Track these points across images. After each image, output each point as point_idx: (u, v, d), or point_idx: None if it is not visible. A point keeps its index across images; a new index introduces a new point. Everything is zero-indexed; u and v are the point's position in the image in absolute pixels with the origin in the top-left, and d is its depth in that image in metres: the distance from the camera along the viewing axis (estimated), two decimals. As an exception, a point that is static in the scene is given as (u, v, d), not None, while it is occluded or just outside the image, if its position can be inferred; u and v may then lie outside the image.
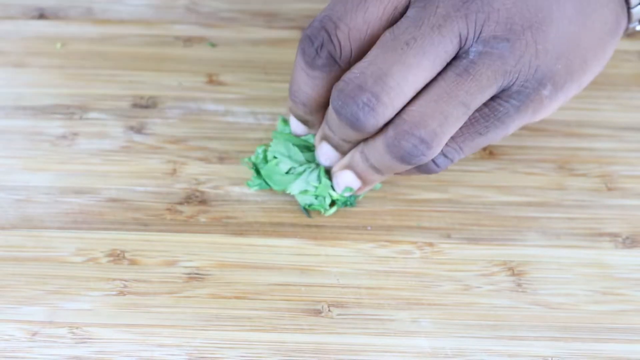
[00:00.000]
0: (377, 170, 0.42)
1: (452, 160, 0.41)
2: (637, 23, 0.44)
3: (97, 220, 0.46)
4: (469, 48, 0.38)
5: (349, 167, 0.44)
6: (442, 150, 0.40)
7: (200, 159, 0.49)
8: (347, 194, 0.45)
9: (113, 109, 0.51)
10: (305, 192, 0.46)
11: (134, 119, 0.51)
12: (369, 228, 0.47)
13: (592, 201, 0.48)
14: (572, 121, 0.51)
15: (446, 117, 0.38)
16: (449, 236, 0.46)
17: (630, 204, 0.48)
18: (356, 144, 0.43)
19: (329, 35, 0.39)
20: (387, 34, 0.39)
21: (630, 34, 0.45)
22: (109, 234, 0.46)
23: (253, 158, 0.46)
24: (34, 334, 0.42)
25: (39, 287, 0.44)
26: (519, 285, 0.45)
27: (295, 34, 0.55)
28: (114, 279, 0.44)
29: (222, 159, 0.49)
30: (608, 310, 0.44)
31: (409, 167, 0.40)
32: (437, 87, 0.39)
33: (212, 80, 0.53)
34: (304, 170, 0.46)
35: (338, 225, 0.47)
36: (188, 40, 0.55)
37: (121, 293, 0.44)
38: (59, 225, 0.46)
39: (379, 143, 0.40)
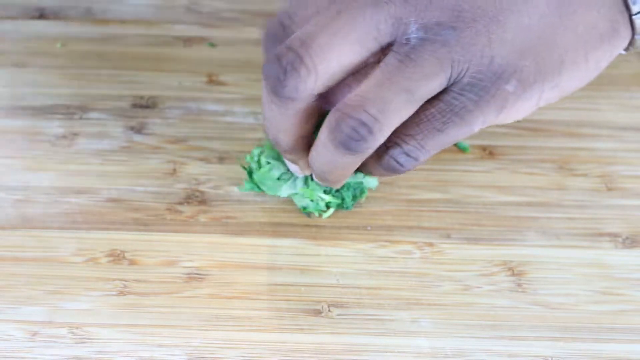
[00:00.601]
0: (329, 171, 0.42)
1: (416, 159, 0.40)
2: None
3: (97, 220, 0.46)
4: (410, 34, 0.38)
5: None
6: (403, 149, 0.39)
7: (200, 159, 0.49)
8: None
9: (113, 109, 0.51)
10: (294, 195, 0.46)
11: (134, 119, 0.51)
12: (369, 228, 0.47)
13: (592, 201, 0.48)
14: (572, 121, 0.51)
15: (387, 103, 0.37)
16: (449, 236, 0.46)
17: (630, 204, 0.48)
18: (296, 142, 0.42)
19: (284, 29, 0.40)
20: (326, 4, 0.39)
21: None
22: (109, 234, 0.46)
23: (248, 158, 0.46)
24: (34, 334, 0.42)
25: (39, 287, 0.44)
26: (519, 285, 0.45)
27: (295, 34, 0.55)
28: (114, 279, 0.44)
29: (222, 159, 0.49)
30: (608, 310, 0.44)
31: (353, 157, 0.39)
32: (378, 72, 0.38)
33: (212, 80, 0.53)
34: (293, 175, 0.45)
35: (338, 225, 0.47)
36: (188, 40, 0.55)
37: (121, 293, 0.44)
38: (59, 225, 0.46)
39: (322, 136, 0.39)
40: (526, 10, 0.39)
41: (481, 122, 0.40)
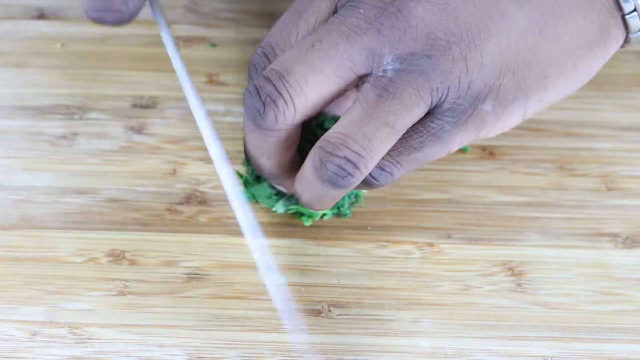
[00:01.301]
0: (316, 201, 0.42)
1: (390, 174, 0.40)
2: (637, 33, 0.41)
3: (97, 220, 0.46)
4: (386, 65, 0.38)
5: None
6: (378, 164, 0.39)
7: (200, 159, 0.49)
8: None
9: (113, 109, 0.51)
10: (289, 210, 0.46)
11: (134, 119, 0.51)
12: (369, 228, 0.47)
13: (592, 201, 0.48)
14: (572, 121, 0.51)
15: (370, 139, 0.37)
16: (449, 236, 0.47)
17: (630, 204, 0.48)
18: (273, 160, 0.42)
19: (269, 61, 0.40)
20: (302, 37, 0.39)
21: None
22: (109, 234, 0.46)
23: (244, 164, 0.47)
24: (34, 334, 0.42)
25: (39, 287, 0.44)
26: (519, 285, 0.45)
27: (295, 34, 0.55)
28: (114, 279, 0.44)
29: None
30: (608, 310, 0.44)
31: (340, 191, 0.39)
32: (358, 108, 0.38)
33: (212, 80, 0.53)
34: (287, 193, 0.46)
35: (338, 225, 0.47)
36: (188, 41, 0.55)
37: (121, 293, 0.44)
38: (59, 225, 0.46)
39: (307, 171, 0.39)
40: (505, 29, 0.38)
41: (459, 141, 0.40)
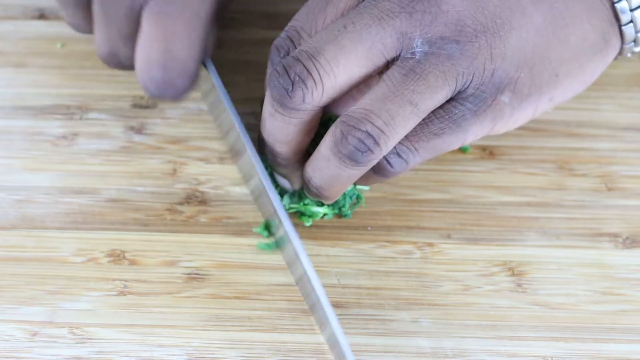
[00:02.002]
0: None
1: (406, 162, 0.40)
2: (632, 44, 0.43)
3: (97, 220, 0.46)
4: (415, 48, 0.38)
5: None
6: (395, 149, 0.40)
7: (200, 159, 0.49)
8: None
9: (113, 109, 0.51)
10: (291, 209, 0.46)
11: (134, 119, 0.51)
12: (369, 228, 0.47)
13: (592, 201, 0.48)
14: (572, 121, 0.51)
15: (392, 116, 0.38)
16: (449, 236, 0.46)
17: (630, 204, 0.48)
18: (292, 156, 0.42)
19: (294, 44, 0.41)
20: (334, 20, 0.40)
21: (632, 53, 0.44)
22: (109, 234, 0.46)
23: None
24: (34, 334, 0.42)
25: (39, 287, 0.44)
26: (519, 285, 0.45)
27: (295, 34, 0.55)
28: (114, 279, 0.44)
29: (222, 159, 0.49)
30: (608, 310, 0.44)
31: (357, 169, 0.39)
32: (383, 86, 0.39)
33: (212, 80, 0.53)
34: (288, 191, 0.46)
35: (338, 225, 0.47)
36: (188, 40, 0.55)
37: (121, 293, 0.44)
38: (59, 225, 0.46)
39: (324, 148, 0.40)
40: (524, 25, 0.40)
41: (475, 131, 0.41)
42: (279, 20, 0.56)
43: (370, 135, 0.38)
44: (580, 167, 0.50)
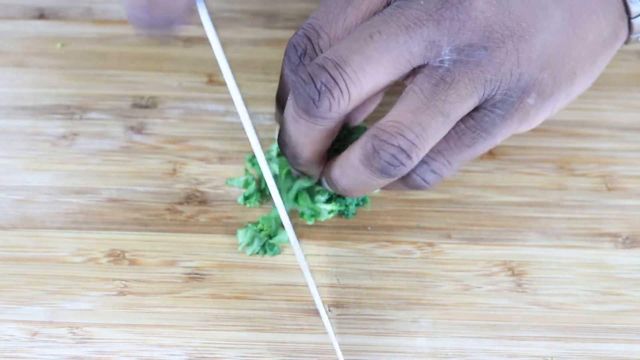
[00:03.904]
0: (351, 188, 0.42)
1: (440, 176, 0.40)
2: (638, 34, 0.43)
3: (97, 220, 0.46)
4: (443, 56, 0.38)
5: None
6: (430, 166, 0.40)
7: (200, 159, 0.49)
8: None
9: (113, 109, 0.51)
10: (297, 208, 0.46)
11: (134, 119, 0.51)
12: (369, 228, 0.47)
13: (592, 201, 0.48)
14: (573, 121, 0.51)
15: (424, 128, 0.38)
16: (449, 236, 0.46)
17: (630, 204, 0.48)
18: (315, 157, 0.42)
19: (312, 44, 0.40)
20: (358, 27, 0.39)
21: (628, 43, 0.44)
22: (109, 234, 0.46)
23: (249, 158, 0.46)
24: (34, 334, 0.42)
25: (39, 287, 0.44)
26: (519, 285, 0.45)
27: (295, 34, 0.55)
28: (114, 279, 0.44)
29: (222, 159, 0.49)
30: (608, 310, 0.44)
31: (387, 180, 0.39)
32: (414, 97, 0.38)
33: (212, 80, 0.53)
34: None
35: (338, 225, 0.47)
36: (188, 41, 0.55)
37: (121, 293, 0.44)
38: (59, 225, 0.46)
39: (354, 159, 0.40)
40: (547, 26, 0.39)
41: (503, 135, 0.41)
42: (279, 20, 0.56)
43: (402, 150, 0.38)
44: (580, 167, 0.50)
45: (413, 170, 0.40)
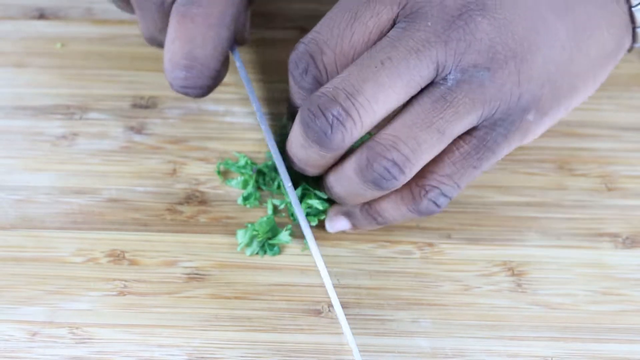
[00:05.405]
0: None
1: (450, 199, 0.41)
2: None
3: (97, 221, 0.46)
4: (447, 75, 0.38)
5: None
6: (442, 190, 0.40)
7: (200, 159, 0.49)
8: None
9: (113, 109, 0.51)
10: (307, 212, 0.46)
11: (134, 119, 0.51)
12: (369, 228, 0.47)
13: (592, 201, 0.48)
14: (573, 121, 0.51)
15: (419, 144, 0.38)
16: (449, 236, 0.46)
17: (630, 204, 0.48)
18: (317, 172, 0.43)
19: (314, 61, 0.39)
20: (366, 53, 0.38)
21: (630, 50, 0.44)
22: (109, 234, 0.46)
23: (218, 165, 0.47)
24: (34, 334, 0.42)
25: (39, 287, 0.44)
26: (519, 285, 0.45)
27: (295, 34, 0.55)
28: (114, 279, 0.44)
29: (222, 159, 0.49)
30: (608, 310, 0.44)
31: (380, 192, 0.40)
32: (412, 112, 0.38)
33: (212, 80, 0.53)
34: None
35: (338, 225, 0.47)
36: (188, 40, 0.55)
37: (121, 293, 0.44)
38: (59, 225, 0.46)
39: (348, 169, 0.40)
40: (549, 42, 0.39)
41: (506, 151, 0.41)
42: (279, 20, 0.56)
43: (396, 164, 0.38)
44: (580, 167, 0.50)
45: (425, 196, 0.40)
